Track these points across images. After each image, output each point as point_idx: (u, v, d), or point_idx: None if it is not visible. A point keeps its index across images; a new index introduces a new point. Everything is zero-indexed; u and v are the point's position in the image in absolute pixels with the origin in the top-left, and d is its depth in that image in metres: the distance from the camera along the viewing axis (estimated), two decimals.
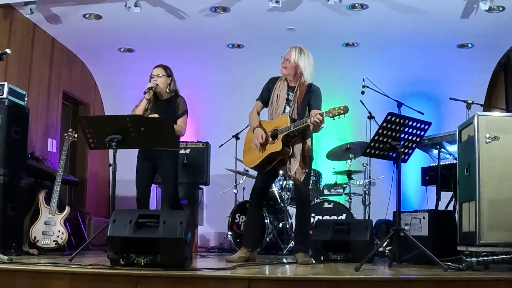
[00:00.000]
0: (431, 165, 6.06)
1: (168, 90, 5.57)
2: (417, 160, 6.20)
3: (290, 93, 5.05)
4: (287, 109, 5.02)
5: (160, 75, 5.52)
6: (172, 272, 3.52)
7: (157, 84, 5.46)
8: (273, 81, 5.18)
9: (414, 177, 7.19)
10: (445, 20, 6.71)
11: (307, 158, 4.94)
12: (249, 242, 5.07)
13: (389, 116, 4.32)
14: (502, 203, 4.02)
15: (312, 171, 6.93)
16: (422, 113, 6.10)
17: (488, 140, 4.10)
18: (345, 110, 4.58)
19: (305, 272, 3.96)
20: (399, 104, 6.36)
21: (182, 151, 7.18)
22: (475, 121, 4.15)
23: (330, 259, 5.20)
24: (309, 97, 5.02)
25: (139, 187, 5.53)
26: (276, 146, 4.88)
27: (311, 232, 6.21)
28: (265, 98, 5.17)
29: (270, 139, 4.94)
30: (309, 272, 3.99)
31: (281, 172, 5.31)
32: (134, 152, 5.57)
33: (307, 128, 4.85)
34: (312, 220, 6.55)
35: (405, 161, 4.56)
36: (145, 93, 5.41)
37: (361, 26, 6.98)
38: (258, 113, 5.19)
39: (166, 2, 6.47)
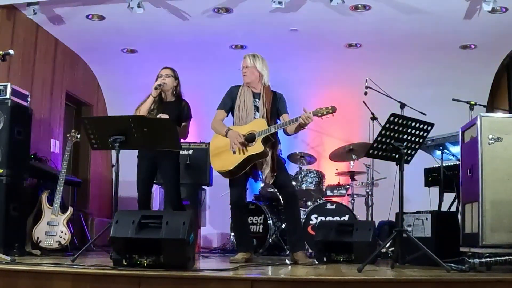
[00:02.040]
0: (434, 166, 6.06)
1: (174, 92, 5.60)
2: (420, 161, 6.19)
3: (257, 100, 5.16)
4: (257, 115, 5.11)
5: (169, 75, 5.55)
6: (174, 273, 3.52)
7: (165, 83, 5.48)
8: (235, 89, 5.24)
9: (417, 178, 7.17)
10: (448, 21, 6.70)
11: (275, 162, 5.06)
12: (247, 245, 5.18)
13: (392, 117, 4.31)
14: (505, 204, 4.02)
15: (314, 171, 7.01)
16: (425, 114, 6.09)
17: (491, 141, 4.10)
18: (333, 110, 4.77)
19: (308, 273, 3.96)
20: (402, 105, 6.36)
21: (185, 152, 7.19)
22: (478, 122, 4.15)
23: (332, 260, 5.19)
24: (276, 103, 5.21)
25: (141, 187, 5.52)
26: (257, 147, 4.92)
27: (313, 232, 6.23)
28: (228, 107, 5.22)
29: (246, 142, 4.97)
30: (312, 273, 3.99)
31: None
32: (137, 152, 5.58)
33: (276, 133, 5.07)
34: (315, 221, 6.57)
35: (408, 162, 4.55)
36: (156, 88, 5.41)
37: (364, 27, 6.98)
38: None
39: (169, 3, 6.48)
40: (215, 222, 8.62)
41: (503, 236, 3.99)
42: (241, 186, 5.20)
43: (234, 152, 4.97)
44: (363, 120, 7.08)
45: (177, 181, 5.60)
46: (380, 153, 4.45)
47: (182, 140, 5.52)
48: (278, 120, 5.24)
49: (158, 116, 5.27)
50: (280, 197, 5.40)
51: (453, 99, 5.95)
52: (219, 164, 5.09)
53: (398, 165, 4.45)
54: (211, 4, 6.55)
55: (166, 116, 5.26)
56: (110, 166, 8.84)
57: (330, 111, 4.76)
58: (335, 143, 7.44)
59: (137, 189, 5.54)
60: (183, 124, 5.51)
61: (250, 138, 4.96)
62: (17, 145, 5.36)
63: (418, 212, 5.17)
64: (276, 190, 6.80)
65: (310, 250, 6.33)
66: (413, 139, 4.46)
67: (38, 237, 5.54)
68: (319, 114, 4.79)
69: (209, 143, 7.49)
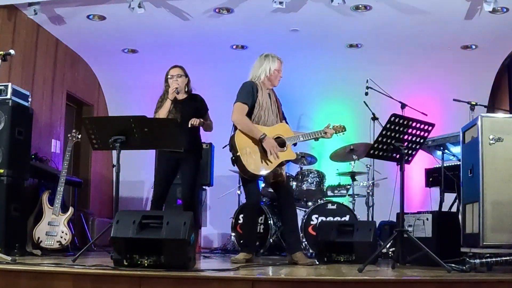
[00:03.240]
0: (435, 166, 6.06)
1: (186, 90, 5.62)
2: (421, 162, 6.20)
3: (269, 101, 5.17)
4: (272, 117, 5.12)
5: (180, 74, 5.56)
6: (175, 273, 3.52)
7: (179, 85, 5.52)
8: (254, 85, 5.10)
9: (417, 179, 7.18)
10: (448, 21, 6.70)
11: None
12: (252, 246, 5.18)
13: (393, 117, 4.32)
14: (505, 205, 4.02)
15: (315, 171, 7.01)
16: (426, 115, 6.09)
17: (491, 142, 4.10)
18: (345, 129, 5.40)
19: (309, 273, 3.96)
20: (403, 106, 6.35)
21: None
22: (479, 122, 4.15)
23: (333, 260, 5.19)
24: (281, 107, 5.31)
25: (159, 187, 5.52)
26: (290, 154, 5.07)
27: (314, 233, 6.22)
28: (251, 103, 5.03)
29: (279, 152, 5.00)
30: (313, 273, 3.99)
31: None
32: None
33: None
34: (315, 221, 6.57)
35: (408, 162, 4.56)
36: (177, 93, 5.47)
37: (365, 27, 6.98)
38: None
39: (170, 3, 6.48)
40: (216, 222, 8.63)
41: (504, 236, 3.99)
42: (258, 186, 5.25)
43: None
44: (364, 121, 7.07)
45: (195, 181, 5.59)
46: (380, 153, 4.46)
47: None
48: None
49: (190, 122, 5.39)
50: (278, 198, 5.38)
51: (454, 100, 5.95)
52: (253, 166, 4.89)
53: (399, 165, 4.45)
54: (212, 4, 6.55)
55: (198, 120, 5.43)
56: (111, 166, 8.84)
57: (344, 130, 5.36)
58: (336, 143, 7.42)
59: (155, 189, 5.55)
60: (207, 120, 5.65)
61: (281, 144, 5.00)
62: (18, 145, 5.36)
63: (418, 213, 5.17)
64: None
65: (310, 251, 6.33)
66: (413, 139, 4.46)
67: (38, 237, 5.54)
68: (336, 132, 5.30)
69: (209, 143, 7.60)
